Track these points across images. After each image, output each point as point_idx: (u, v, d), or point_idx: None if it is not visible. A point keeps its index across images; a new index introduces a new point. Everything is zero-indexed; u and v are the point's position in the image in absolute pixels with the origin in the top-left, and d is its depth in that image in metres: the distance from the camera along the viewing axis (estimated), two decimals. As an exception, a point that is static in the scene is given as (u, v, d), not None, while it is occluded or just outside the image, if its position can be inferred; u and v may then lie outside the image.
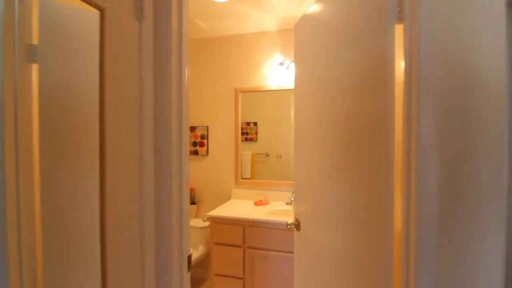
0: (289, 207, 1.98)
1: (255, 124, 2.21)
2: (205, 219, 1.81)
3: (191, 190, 2.28)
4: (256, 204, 2.03)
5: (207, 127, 2.29)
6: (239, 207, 1.99)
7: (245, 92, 2.21)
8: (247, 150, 2.28)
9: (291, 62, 2.03)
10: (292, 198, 2.05)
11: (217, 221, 1.78)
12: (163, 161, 0.83)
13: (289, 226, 1.29)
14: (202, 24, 2.08)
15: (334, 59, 1.00)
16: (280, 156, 2.25)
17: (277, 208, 1.97)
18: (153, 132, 0.82)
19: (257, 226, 1.71)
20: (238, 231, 1.73)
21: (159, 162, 0.82)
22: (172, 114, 0.85)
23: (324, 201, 1.06)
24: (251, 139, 2.30)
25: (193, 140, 2.31)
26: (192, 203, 2.25)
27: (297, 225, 1.26)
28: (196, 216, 2.27)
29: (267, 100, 2.21)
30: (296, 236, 1.30)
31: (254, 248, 1.71)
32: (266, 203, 2.06)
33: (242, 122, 2.34)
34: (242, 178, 2.24)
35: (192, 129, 2.31)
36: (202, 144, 2.28)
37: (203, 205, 2.30)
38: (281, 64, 2.05)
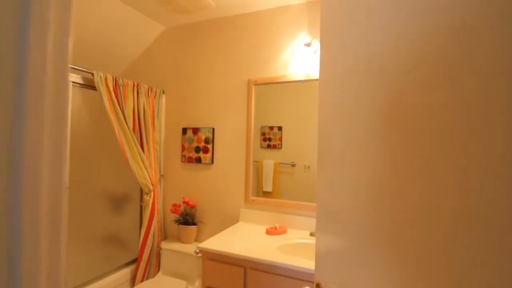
0: (314, 241, 1.43)
1: (280, 128, 1.76)
2: (196, 251, 1.34)
3: (191, 206, 1.83)
4: (268, 232, 1.52)
5: (213, 129, 1.84)
6: (245, 235, 1.48)
7: (261, 84, 1.73)
8: (270, 159, 1.83)
9: (321, 43, 1.51)
10: (319, 228, 1.50)
11: (211, 257, 1.30)
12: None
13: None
14: (209, 0, 1.65)
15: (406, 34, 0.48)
16: (308, 167, 1.75)
17: (297, 241, 1.43)
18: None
19: (264, 269, 1.19)
20: (238, 275, 1.23)
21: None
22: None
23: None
24: (275, 146, 1.85)
25: (195, 145, 1.87)
26: (192, 223, 1.80)
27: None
28: (196, 240, 1.82)
29: (291, 95, 1.71)
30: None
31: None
32: (283, 231, 1.53)
33: (264, 126, 1.92)
34: (254, 196, 1.74)
35: (195, 131, 1.87)
36: (206, 150, 1.83)
37: (205, 227, 1.84)
38: (307, 45, 1.53)
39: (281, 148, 1.82)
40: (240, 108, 1.78)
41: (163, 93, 2.00)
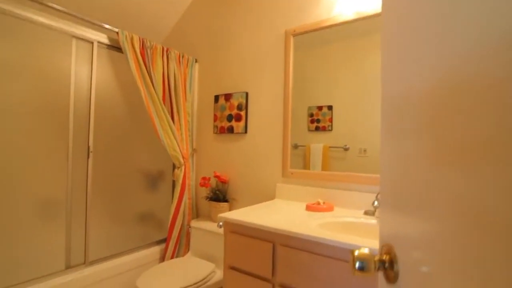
0: (372, 220, 1.08)
1: (330, 108, 1.47)
2: (220, 223, 1.11)
3: (223, 181, 1.63)
4: (309, 208, 1.22)
5: (247, 93, 1.61)
6: (280, 210, 1.21)
7: (301, 33, 1.44)
8: (318, 143, 1.54)
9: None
10: (376, 203, 1.14)
11: (233, 230, 1.06)
12: None
13: (359, 264, 0.43)
14: None
15: None
16: (365, 151, 1.42)
17: (345, 219, 1.10)
18: None
19: (299, 247, 0.90)
20: (265, 252, 0.96)
21: None
22: None
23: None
24: (324, 128, 1.57)
25: (227, 113, 1.66)
26: (224, 200, 1.59)
27: (386, 263, 0.41)
28: (228, 220, 1.60)
29: (337, 54, 1.39)
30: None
31: (293, 289, 0.90)
32: (328, 208, 1.21)
33: (312, 107, 1.65)
34: (293, 168, 1.45)
35: (227, 97, 1.67)
36: (238, 118, 1.61)
37: (238, 205, 1.62)
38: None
39: (331, 130, 1.51)
40: (276, 68, 1.52)
41: (196, 61, 1.85)
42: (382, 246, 0.43)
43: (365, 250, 0.39)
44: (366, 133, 1.38)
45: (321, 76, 1.48)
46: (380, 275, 0.41)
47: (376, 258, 0.39)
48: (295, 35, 1.46)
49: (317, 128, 1.56)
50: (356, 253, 0.38)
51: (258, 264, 0.97)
